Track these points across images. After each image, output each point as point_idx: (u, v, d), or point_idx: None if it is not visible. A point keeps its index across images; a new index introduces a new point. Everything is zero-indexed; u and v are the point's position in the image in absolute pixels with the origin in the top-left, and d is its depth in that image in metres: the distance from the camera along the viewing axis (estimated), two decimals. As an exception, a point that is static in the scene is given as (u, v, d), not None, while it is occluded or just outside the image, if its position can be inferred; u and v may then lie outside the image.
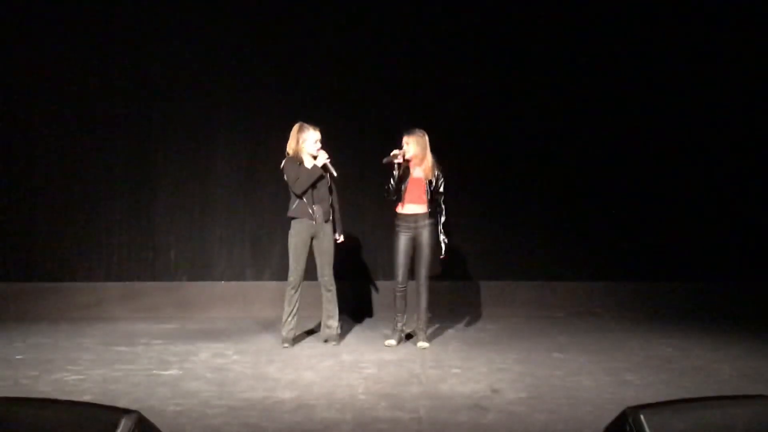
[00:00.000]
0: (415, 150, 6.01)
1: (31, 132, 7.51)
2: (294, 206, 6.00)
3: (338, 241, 6.20)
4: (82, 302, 7.31)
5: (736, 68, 7.70)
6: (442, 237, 6.10)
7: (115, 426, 2.31)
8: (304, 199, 5.97)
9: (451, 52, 7.68)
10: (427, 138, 6.09)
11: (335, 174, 6.03)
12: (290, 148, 6.02)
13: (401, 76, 7.64)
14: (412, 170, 6.06)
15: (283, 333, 6.05)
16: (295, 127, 6.03)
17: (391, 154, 5.98)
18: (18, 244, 7.48)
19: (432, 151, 6.27)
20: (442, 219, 6.12)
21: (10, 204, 7.47)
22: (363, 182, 7.35)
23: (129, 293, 7.43)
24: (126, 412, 2.39)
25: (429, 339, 6.17)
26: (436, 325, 6.81)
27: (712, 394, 4.32)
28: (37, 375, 5.08)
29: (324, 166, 5.98)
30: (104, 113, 7.54)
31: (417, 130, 6.07)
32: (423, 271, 6.07)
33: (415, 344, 6.08)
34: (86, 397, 4.45)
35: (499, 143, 7.70)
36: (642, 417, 2.39)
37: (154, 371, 5.22)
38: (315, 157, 5.99)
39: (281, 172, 6.05)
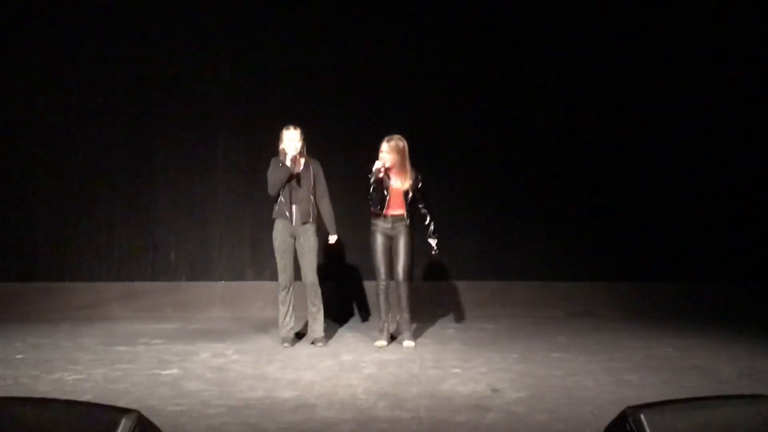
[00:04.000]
0: (393, 159, 5.99)
1: (31, 132, 7.51)
2: (275, 206, 6.00)
3: (331, 242, 6.21)
4: (82, 302, 7.31)
5: (736, 68, 7.70)
6: (432, 240, 6.13)
7: (116, 426, 2.31)
8: (282, 199, 5.95)
9: (450, 51, 7.68)
10: (405, 144, 6.03)
11: (288, 166, 5.83)
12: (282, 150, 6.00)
13: (399, 77, 7.63)
14: (390, 178, 6.03)
15: (282, 333, 6.05)
16: (284, 129, 6.01)
17: (374, 169, 5.93)
18: (18, 244, 7.48)
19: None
20: (430, 222, 6.12)
21: (10, 204, 7.48)
22: (358, 183, 7.31)
23: (129, 293, 7.43)
24: (126, 411, 2.39)
25: (415, 338, 6.16)
26: (435, 325, 6.82)
27: (712, 394, 4.31)
28: (38, 375, 5.08)
29: (292, 162, 5.85)
30: (104, 113, 7.55)
31: (395, 136, 6.03)
32: (401, 271, 6.07)
33: (401, 344, 6.08)
34: (86, 397, 4.44)
35: (499, 143, 7.70)
36: (642, 417, 2.39)
37: (154, 371, 5.22)
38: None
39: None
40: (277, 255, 6.02)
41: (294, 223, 5.96)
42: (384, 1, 7.73)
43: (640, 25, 7.68)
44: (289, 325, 6.05)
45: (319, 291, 6.07)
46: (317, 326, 6.10)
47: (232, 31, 7.60)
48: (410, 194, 6.04)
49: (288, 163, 5.85)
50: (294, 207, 5.95)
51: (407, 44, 7.64)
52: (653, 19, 7.66)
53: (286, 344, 6.00)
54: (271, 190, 5.96)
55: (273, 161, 6.00)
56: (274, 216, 6.03)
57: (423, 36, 7.66)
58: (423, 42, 7.66)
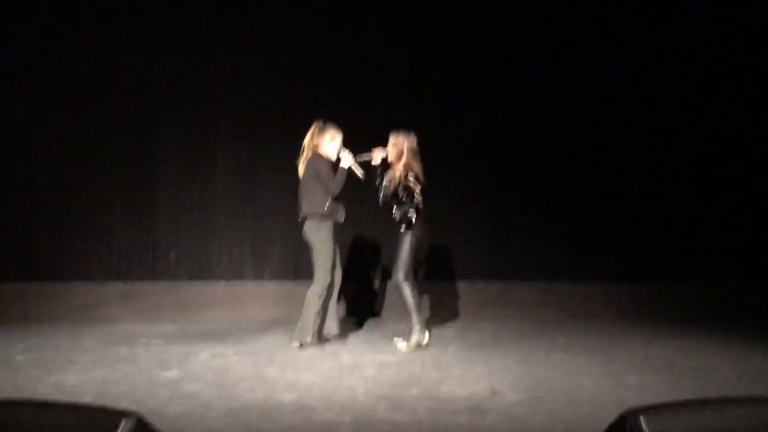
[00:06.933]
0: (391, 152, 6.01)
1: (31, 132, 7.50)
2: (327, 205, 5.88)
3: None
4: (82, 302, 7.30)
5: (736, 68, 7.70)
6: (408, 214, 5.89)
7: (115, 428, 2.30)
8: (336, 201, 5.92)
9: (451, 51, 7.68)
10: (406, 139, 6.00)
11: (360, 174, 5.99)
12: (316, 147, 5.95)
13: (401, 76, 7.63)
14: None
15: (324, 332, 6.06)
16: (317, 125, 5.99)
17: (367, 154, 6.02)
18: (18, 244, 7.48)
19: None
20: (413, 206, 5.89)
21: (10, 204, 7.48)
22: (363, 182, 7.33)
23: (129, 293, 7.42)
24: (126, 413, 2.38)
25: (409, 340, 6.05)
26: (435, 326, 6.81)
27: (712, 396, 4.31)
28: (37, 376, 5.07)
29: (350, 168, 5.96)
30: (104, 113, 7.55)
31: (399, 131, 6.05)
32: (392, 273, 6.08)
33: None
34: (86, 399, 4.45)
35: (499, 143, 7.70)
36: (642, 418, 2.38)
37: (154, 372, 5.22)
38: (338, 158, 5.96)
39: (314, 170, 5.89)
40: (332, 252, 5.93)
41: (342, 222, 6.02)
42: (386, 0, 7.73)
43: (640, 25, 7.68)
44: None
45: None
46: (336, 323, 6.15)
47: (232, 31, 7.59)
48: (390, 189, 6.00)
49: (346, 165, 5.93)
50: (341, 207, 5.99)
51: (408, 44, 7.64)
52: (653, 20, 7.67)
53: (330, 341, 6.02)
54: (337, 190, 5.90)
55: (321, 160, 5.93)
56: (327, 215, 5.89)
57: (423, 36, 7.65)
58: (423, 42, 7.65)
